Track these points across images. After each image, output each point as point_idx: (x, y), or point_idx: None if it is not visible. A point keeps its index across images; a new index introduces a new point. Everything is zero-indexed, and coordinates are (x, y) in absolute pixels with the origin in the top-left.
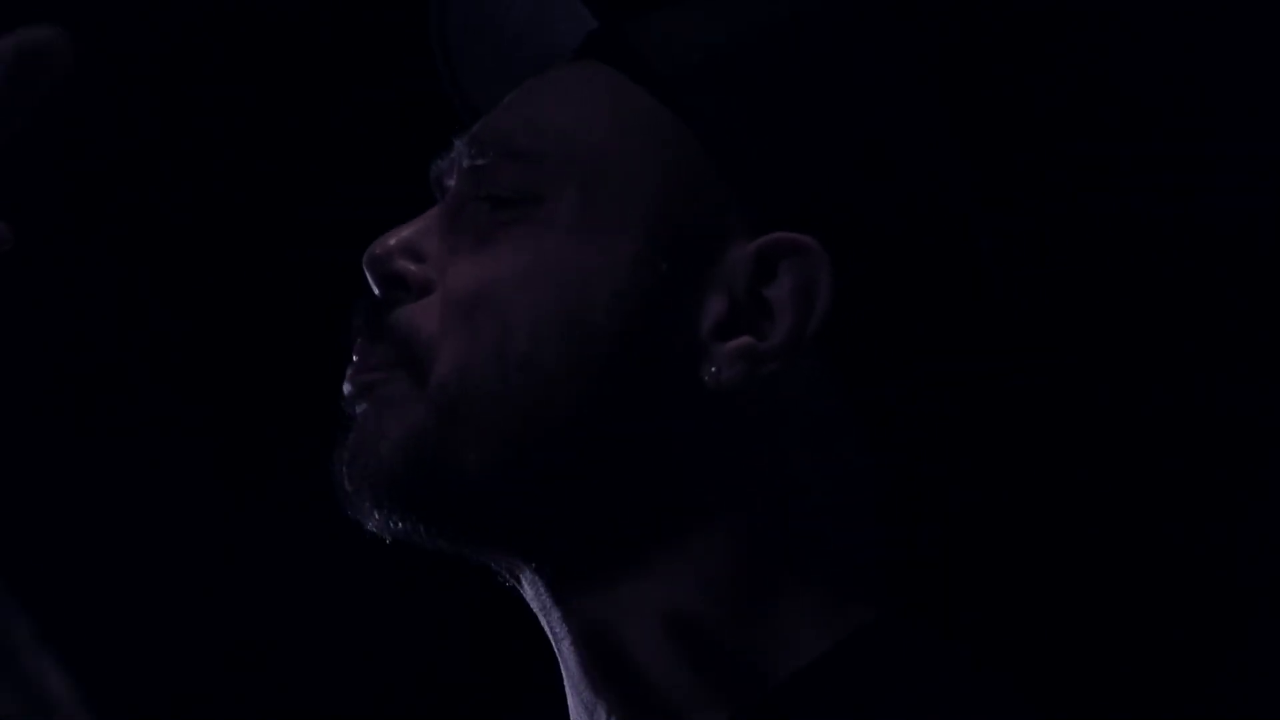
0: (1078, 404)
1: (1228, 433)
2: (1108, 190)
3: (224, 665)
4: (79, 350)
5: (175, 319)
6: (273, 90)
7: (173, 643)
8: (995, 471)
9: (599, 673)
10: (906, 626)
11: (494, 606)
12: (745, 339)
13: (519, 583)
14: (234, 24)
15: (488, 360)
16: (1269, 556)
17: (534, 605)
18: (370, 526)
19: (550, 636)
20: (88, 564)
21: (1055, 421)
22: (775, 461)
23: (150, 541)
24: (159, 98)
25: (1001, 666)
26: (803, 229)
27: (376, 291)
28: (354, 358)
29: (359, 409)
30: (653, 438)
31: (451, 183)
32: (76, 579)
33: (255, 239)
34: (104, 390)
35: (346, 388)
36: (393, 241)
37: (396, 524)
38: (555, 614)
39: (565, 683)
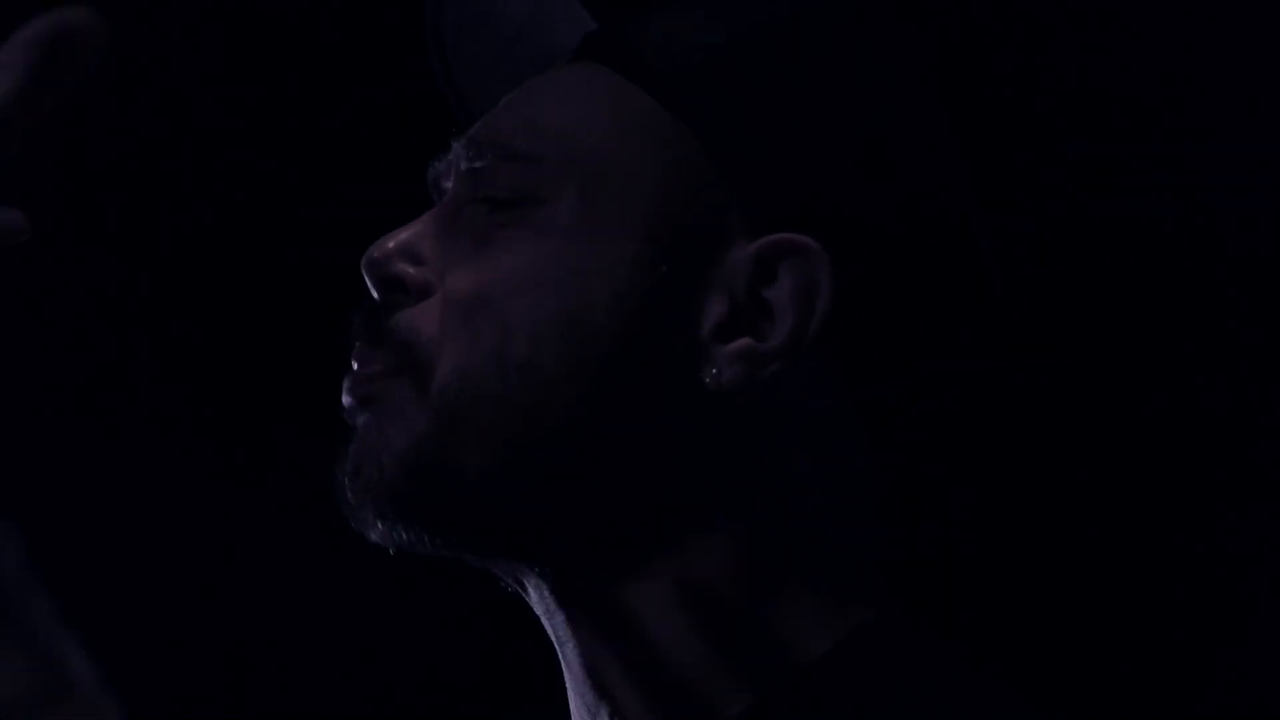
0: (1078, 404)
1: (1228, 433)
2: (1108, 190)
3: (223, 665)
4: (78, 350)
5: (174, 319)
6: (272, 90)
7: (172, 642)
8: (995, 471)
9: (603, 675)
10: (907, 626)
11: (493, 609)
12: (745, 340)
13: (522, 588)
14: (233, 23)
15: (488, 363)
16: (1270, 557)
17: (538, 609)
18: (374, 538)
19: (554, 640)
20: (86, 564)
21: (1055, 421)
22: (775, 461)
23: (149, 541)
24: (158, 97)
25: (1001, 666)
26: (803, 229)
27: (375, 295)
28: (353, 364)
29: (360, 420)
30: (653, 439)
31: (449, 185)
32: (75, 578)
33: (255, 239)
34: (103, 390)
35: (347, 399)
36: (391, 244)
37: (401, 535)
38: (559, 617)
39: (568, 686)
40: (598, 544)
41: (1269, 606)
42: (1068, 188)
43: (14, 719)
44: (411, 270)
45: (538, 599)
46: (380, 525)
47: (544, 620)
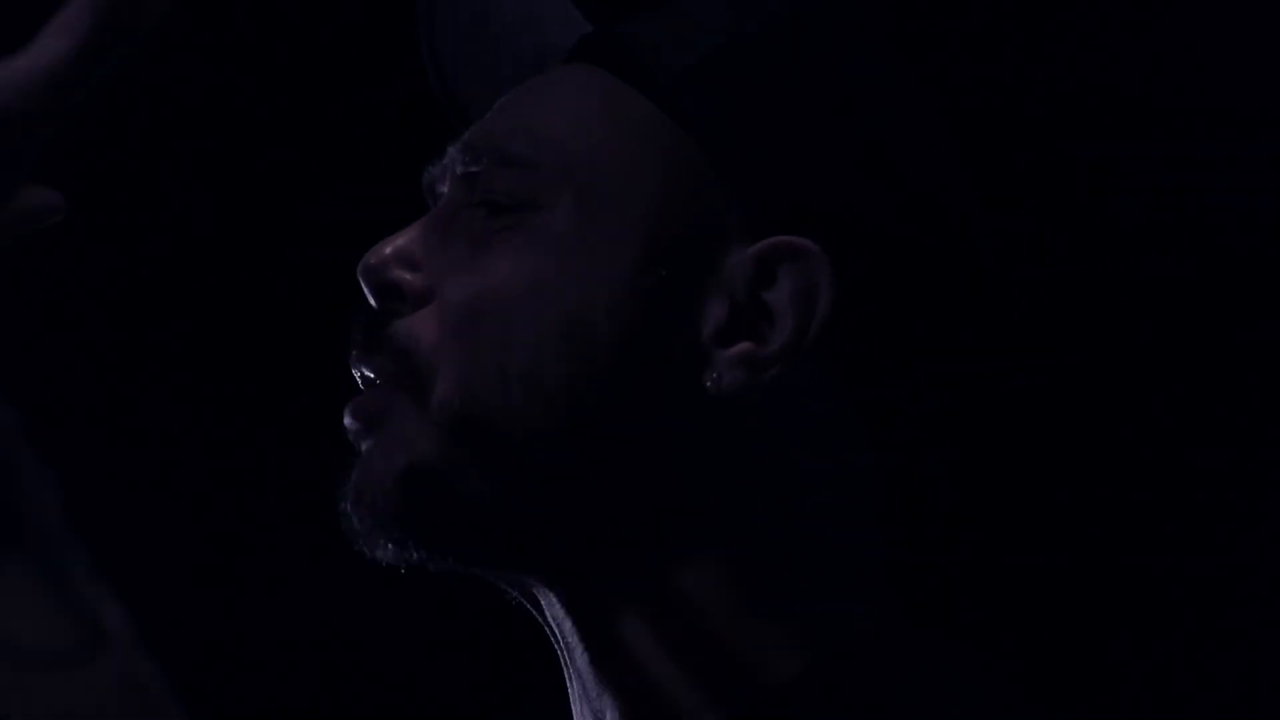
0: (1078, 404)
1: (1228, 433)
2: (1108, 190)
3: (222, 665)
4: (77, 351)
5: (174, 319)
6: (272, 90)
7: (172, 643)
8: (996, 472)
9: (613, 678)
10: (908, 627)
11: (492, 609)
12: (746, 344)
13: (528, 599)
14: (232, 23)
15: (489, 373)
16: (1271, 557)
17: (546, 616)
18: (383, 559)
19: (563, 646)
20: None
21: (1055, 421)
22: (775, 462)
23: (149, 541)
24: (157, 97)
25: (1002, 666)
26: (802, 230)
27: (372, 302)
28: (354, 370)
29: (364, 446)
30: (654, 442)
31: (445, 189)
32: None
33: (254, 239)
34: (103, 390)
35: (349, 421)
36: (388, 250)
37: (411, 554)
38: (567, 624)
39: (574, 692)
40: (601, 549)
41: (1270, 606)
42: (1068, 188)
43: (48, 671)
44: (409, 277)
45: (545, 606)
46: (389, 547)
47: (553, 627)
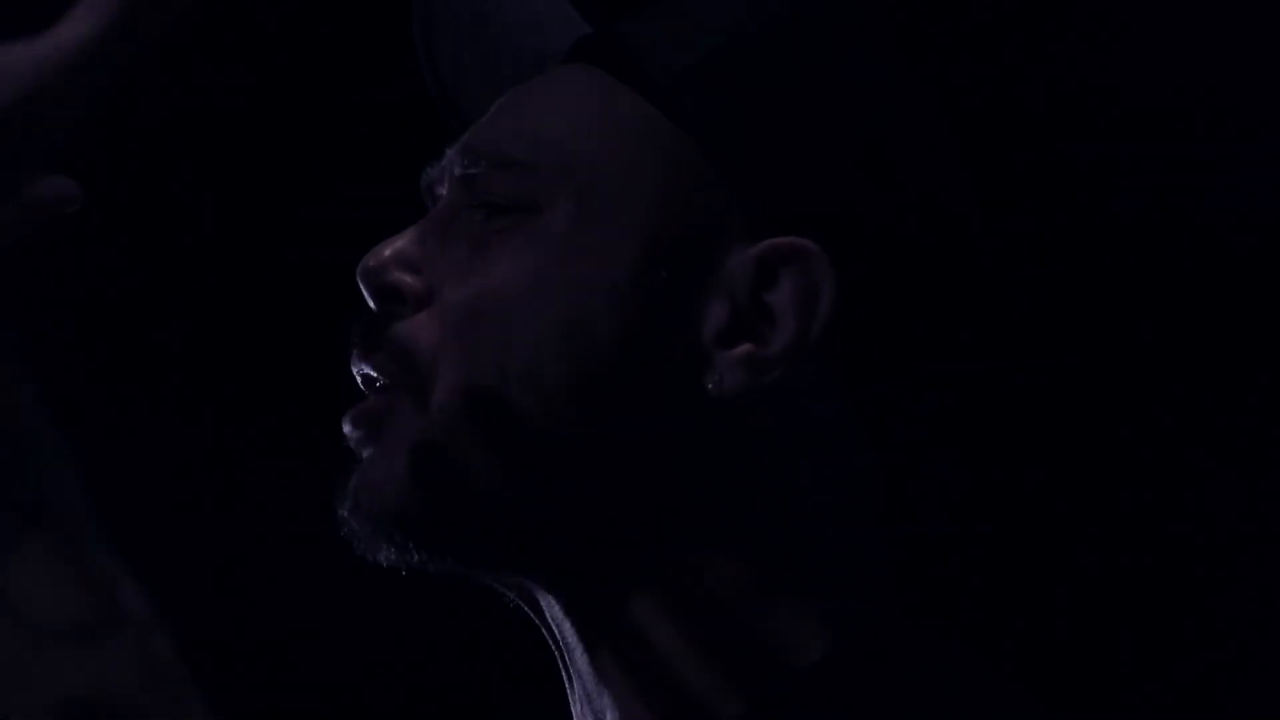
0: (1078, 404)
1: (1229, 432)
2: (1108, 190)
3: (223, 666)
4: (76, 351)
5: (174, 319)
6: (272, 90)
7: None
8: (996, 472)
9: (613, 678)
10: (908, 627)
11: (491, 613)
12: (747, 346)
13: (527, 601)
14: (231, 23)
15: (489, 376)
16: (1272, 556)
17: (546, 618)
18: (383, 562)
19: (563, 648)
20: None
21: (1055, 421)
22: (775, 462)
23: (147, 541)
24: (157, 98)
25: (1002, 666)
26: (802, 230)
27: (371, 304)
28: (354, 370)
29: (366, 454)
30: (654, 444)
31: (443, 191)
32: None
33: (254, 239)
34: (103, 390)
35: (350, 429)
36: (387, 253)
37: (412, 556)
38: (566, 625)
39: (573, 693)
40: (601, 550)
41: (1271, 606)
42: (1068, 188)
43: (66, 646)
44: (409, 279)
45: (545, 607)
46: (389, 550)
47: (554, 627)
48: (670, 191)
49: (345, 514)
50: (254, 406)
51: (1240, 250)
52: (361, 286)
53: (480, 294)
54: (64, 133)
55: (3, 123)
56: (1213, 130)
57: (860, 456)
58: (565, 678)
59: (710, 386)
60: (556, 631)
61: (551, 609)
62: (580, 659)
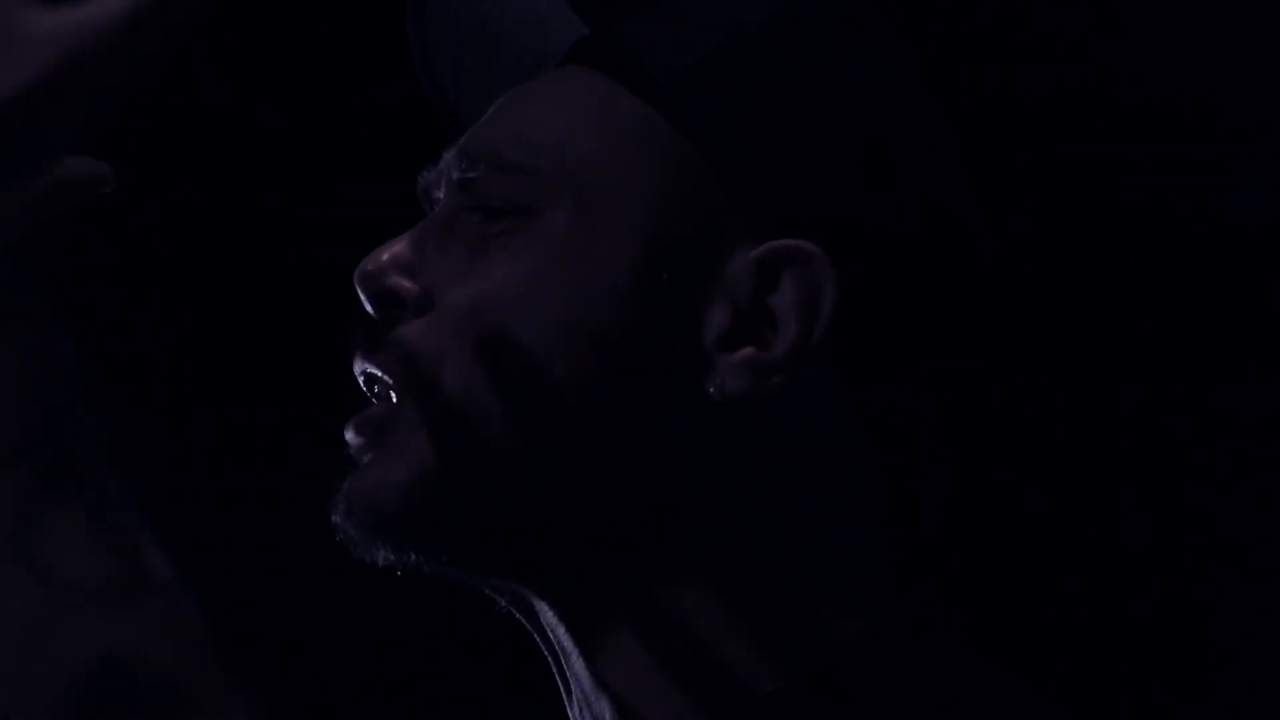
0: (1078, 404)
1: (1229, 432)
2: (1108, 190)
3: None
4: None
5: (173, 320)
6: (272, 90)
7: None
8: (996, 472)
9: (612, 681)
10: (908, 627)
11: (491, 614)
12: (749, 350)
13: (519, 606)
14: (230, 23)
15: (491, 380)
16: (1272, 557)
17: (539, 623)
18: (379, 562)
19: (558, 652)
20: None
21: (1055, 422)
22: (776, 464)
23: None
24: (156, 98)
25: (1002, 666)
26: (802, 231)
27: (370, 310)
28: (356, 372)
29: (365, 459)
30: (655, 446)
31: (440, 195)
32: None
33: (253, 240)
34: (103, 390)
35: (351, 435)
36: (385, 257)
37: (408, 557)
38: (561, 629)
39: (570, 698)
40: (602, 551)
41: (1271, 606)
42: (1068, 188)
43: (92, 606)
44: (407, 284)
45: (539, 613)
46: (386, 551)
47: (548, 633)
48: (670, 192)
49: (338, 519)
50: (253, 406)
51: (1240, 250)
52: (359, 291)
53: (480, 297)
54: (94, 110)
55: (37, 90)
56: (1213, 130)
57: (861, 457)
58: (561, 682)
59: (712, 390)
60: (551, 636)
61: (545, 614)
62: (577, 663)
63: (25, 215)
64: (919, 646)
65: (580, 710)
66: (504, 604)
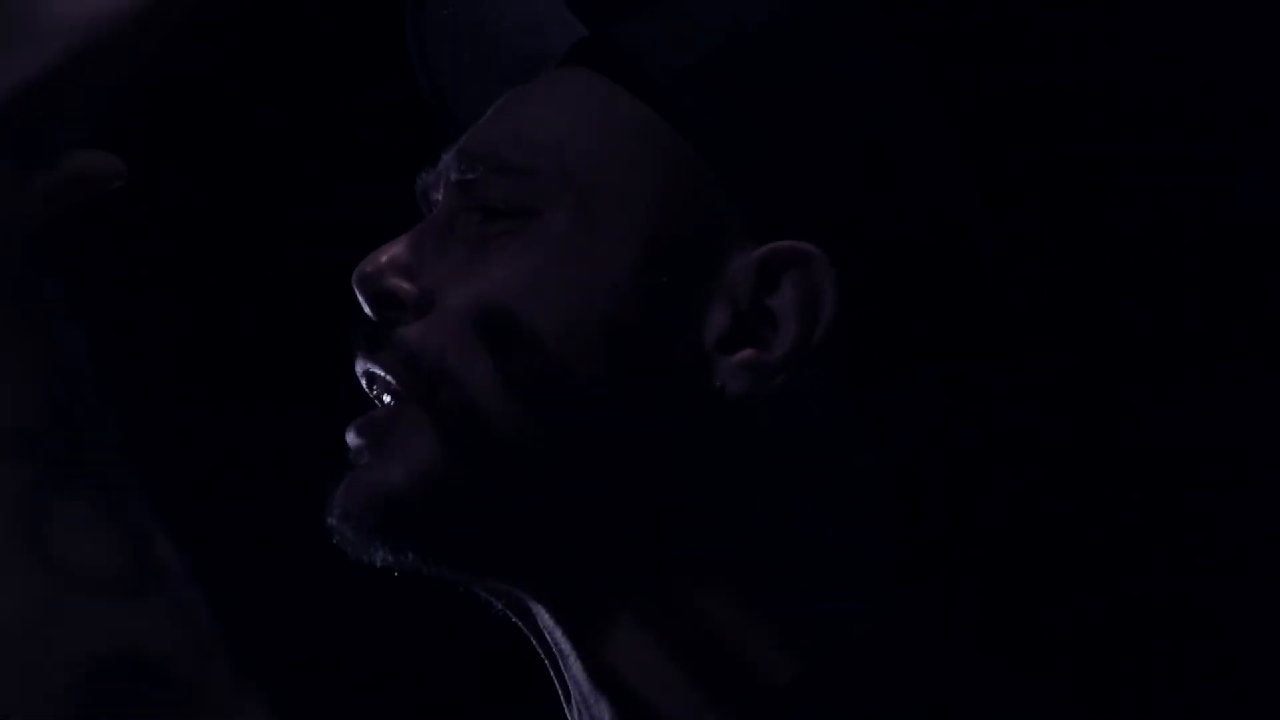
0: (1077, 404)
1: (1228, 432)
2: (1107, 190)
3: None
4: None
5: (173, 319)
6: (273, 90)
7: None
8: (997, 472)
9: (611, 683)
10: (908, 627)
11: (490, 616)
12: (750, 352)
13: (516, 609)
14: (229, 23)
15: (491, 382)
16: (1272, 557)
17: (536, 626)
18: (377, 563)
19: (556, 655)
20: None
21: (1055, 422)
22: (776, 465)
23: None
24: (156, 98)
25: (1002, 666)
26: (802, 232)
27: (368, 311)
28: (359, 371)
29: (363, 461)
30: (655, 447)
31: (438, 196)
32: None
33: (253, 239)
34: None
35: (353, 438)
36: (384, 259)
37: (406, 558)
38: (558, 632)
39: (568, 700)
40: (601, 551)
41: (1271, 607)
42: (1068, 188)
43: (98, 596)
44: (406, 285)
45: (535, 616)
46: (383, 553)
47: (545, 636)
48: (670, 193)
49: (333, 522)
50: (257, 403)
51: (1241, 250)
52: (357, 293)
53: (480, 298)
54: (106, 100)
55: (51, 77)
56: (1213, 129)
57: (861, 457)
58: (558, 685)
59: (712, 391)
60: (549, 639)
61: (543, 617)
62: (575, 665)
63: (38, 208)
64: (919, 646)
65: (579, 713)
66: (500, 607)
